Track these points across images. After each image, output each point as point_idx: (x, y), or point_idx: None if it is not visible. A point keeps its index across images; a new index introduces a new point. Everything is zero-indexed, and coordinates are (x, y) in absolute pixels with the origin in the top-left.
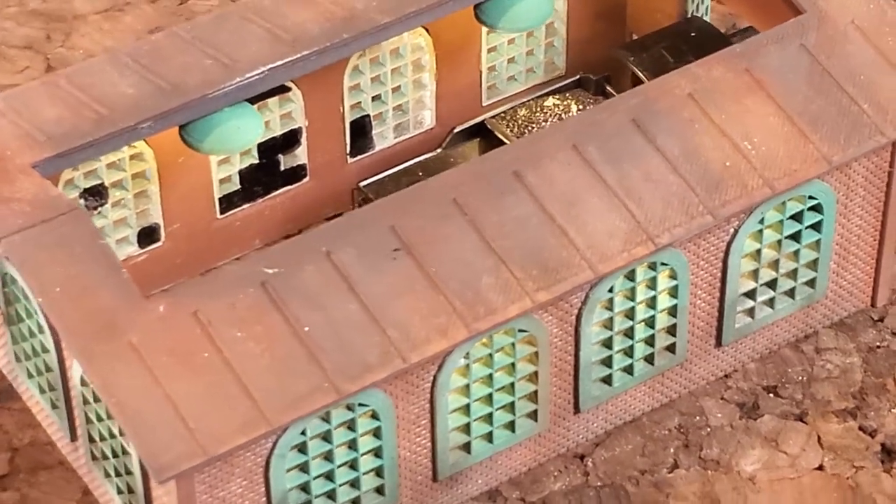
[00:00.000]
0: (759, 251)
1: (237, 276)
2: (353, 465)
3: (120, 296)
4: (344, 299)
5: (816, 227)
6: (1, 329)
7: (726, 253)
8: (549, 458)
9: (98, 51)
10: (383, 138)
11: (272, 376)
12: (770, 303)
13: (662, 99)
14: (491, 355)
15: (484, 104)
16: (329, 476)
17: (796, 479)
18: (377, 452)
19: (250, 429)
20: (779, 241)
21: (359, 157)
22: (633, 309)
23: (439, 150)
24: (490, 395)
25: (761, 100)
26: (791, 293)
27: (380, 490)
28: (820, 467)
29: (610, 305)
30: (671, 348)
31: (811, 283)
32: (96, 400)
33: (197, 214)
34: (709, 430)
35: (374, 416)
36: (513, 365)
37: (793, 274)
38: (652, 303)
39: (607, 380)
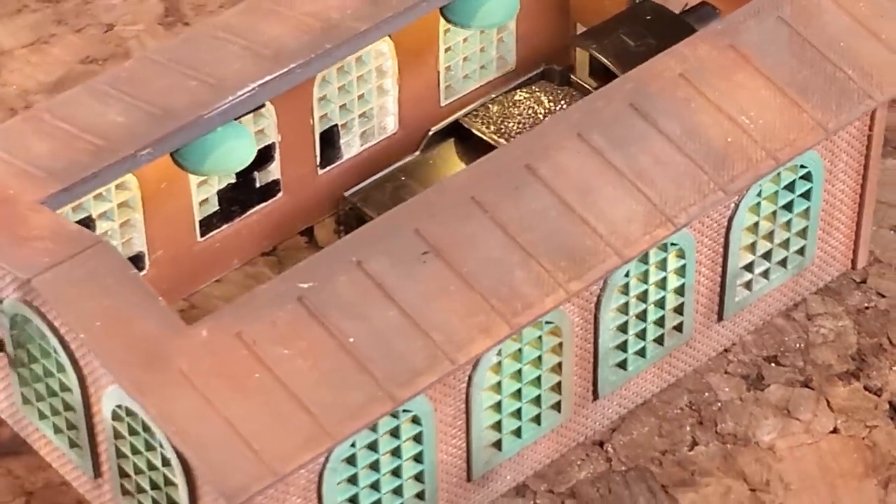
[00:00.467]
0: (756, 224)
1: (273, 294)
2: (396, 472)
3: (161, 324)
4: (382, 307)
5: (807, 195)
6: (2, 372)
7: (728, 228)
8: (569, 448)
9: (31, 85)
10: (350, 147)
11: (325, 390)
12: (765, 274)
13: (655, 82)
14: (520, 349)
15: (442, 105)
16: (375, 486)
17: (814, 444)
18: (418, 458)
19: (314, 444)
20: (774, 213)
21: (328, 167)
22: (646, 291)
23: (417, 154)
24: (519, 390)
25: (750, 74)
26: (784, 263)
27: (420, 495)
28: (835, 430)
29: (626, 289)
30: (679, 327)
31: (801, 251)
32: (132, 433)
33: (179, 239)
34: (719, 404)
35: (416, 421)
36: (539, 358)
37: (785, 243)
38: (662, 284)
39: (622, 364)
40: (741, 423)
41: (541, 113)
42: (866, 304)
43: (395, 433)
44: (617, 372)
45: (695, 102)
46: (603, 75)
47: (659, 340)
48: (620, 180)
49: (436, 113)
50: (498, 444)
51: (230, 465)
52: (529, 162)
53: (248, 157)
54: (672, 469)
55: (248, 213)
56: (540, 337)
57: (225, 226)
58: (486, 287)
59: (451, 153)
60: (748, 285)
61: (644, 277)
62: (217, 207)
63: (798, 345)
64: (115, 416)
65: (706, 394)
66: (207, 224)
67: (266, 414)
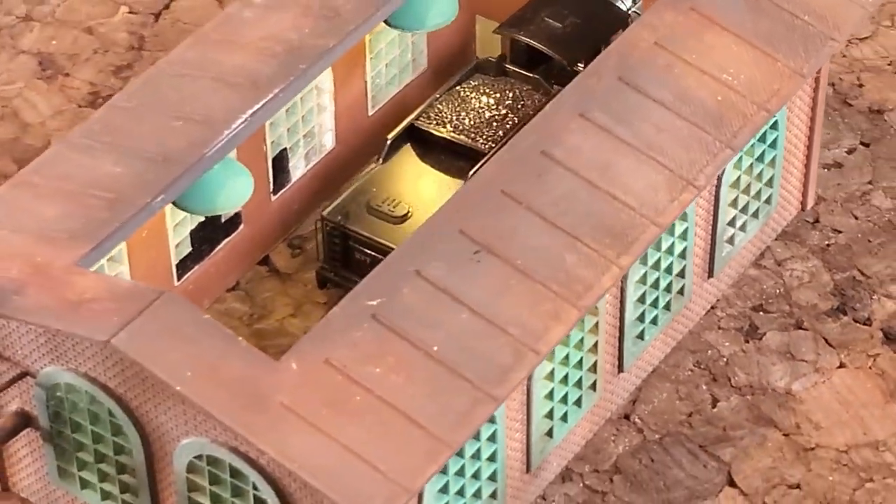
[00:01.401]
0: (738, 178)
1: (346, 316)
2: (476, 474)
3: (249, 363)
4: (453, 311)
5: (774, 144)
6: (27, 450)
7: (718, 185)
8: (600, 426)
9: None
10: (296, 169)
11: (427, 401)
12: (743, 227)
13: (633, 53)
14: (568, 335)
15: (370, 114)
16: (461, 492)
17: (827, 381)
18: (492, 457)
19: (436, 456)
20: (751, 165)
21: (280, 192)
22: (658, 259)
23: (381, 163)
24: (566, 375)
25: (717, 33)
26: (756, 213)
27: (493, 495)
28: (841, 365)
29: (645, 259)
30: (682, 291)
31: (769, 199)
32: (213, 482)
33: (158, 286)
34: (725, 360)
35: (491, 420)
36: (582, 340)
37: (758, 194)
38: (671, 249)
39: (641, 335)
40: (752, 374)
41: (492, 104)
42: (827, 242)
43: (476, 435)
44: (637, 343)
45: (677, 68)
46: (533, 61)
47: (667, 306)
48: (633, 153)
49: (366, 123)
50: (550, 432)
51: (364, 491)
52: (544, 148)
53: (249, 192)
54: (704, 428)
55: (215, 250)
56: (582, 319)
57: (196, 266)
58: (543, 276)
59: (412, 157)
60: (731, 240)
61: (658, 245)
62: (190, 249)
63: (778, 290)
64: (192, 469)
65: (709, 352)
66: (182, 267)
67: (379, 434)
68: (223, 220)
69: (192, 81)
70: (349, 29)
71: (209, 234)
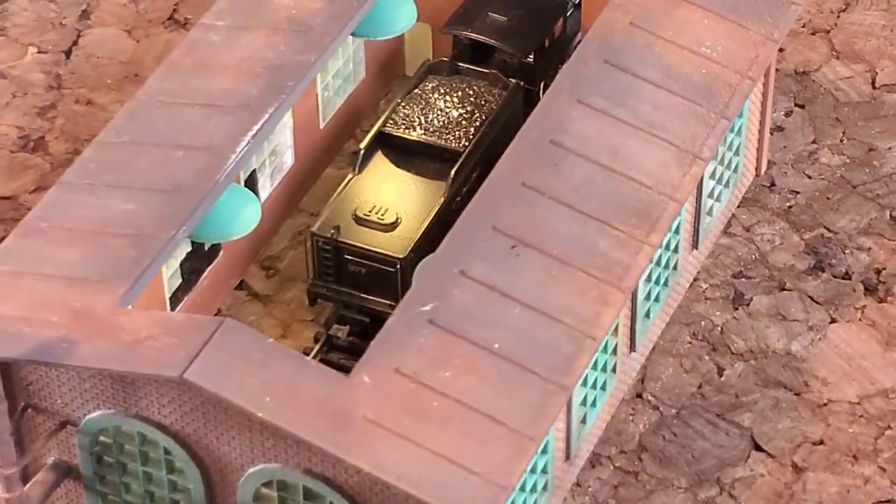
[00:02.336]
0: (717, 149)
1: (404, 324)
2: (532, 468)
3: (324, 382)
4: (505, 307)
5: (741, 112)
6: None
7: None
8: (615, 407)
9: None
10: (264, 189)
11: (502, 398)
12: (719, 197)
13: (613, 36)
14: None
15: (321, 127)
16: (522, 487)
17: (823, 337)
18: (545, 448)
19: (524, 450)
20: (726, 135)
21: None
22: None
23: (357, 173)
24: (596, 360)
25: (687, 8)
26: (728, 183)
27: (545, 486)
28: (833, 320)
29: None
30: (675, 266)
31: (736, 168)
32: (309, 498)
33: None
34: (719, 328)
35: None
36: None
37: (729, 163)
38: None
39: (648, 313)
40: (750, 339)
41: (455, 102)
42: (788, 204)
43: None
44: (645, 322)
45: (657, 46)
46: (478, 58)
47: (666, 282)
48: (637, 133)
49: (318, 137)
50: (584, 419)
51: (463, 494)
52: (552, 137)
53: (258, 216)
54: (717, 398)
55: (200, 279)
56: None
57: (186, 297)
58: (582, 262)
59: (386, 164)
60: (710, 211)
61: None
62: (180, 280)
63: (753, 256)
64: (258, 497)
65: (702, 323)
66: (175, 300)
67: (464, 436)
68: (206, 247)
69: (181, 110)
70: (327, 42)
71: (194, 263)
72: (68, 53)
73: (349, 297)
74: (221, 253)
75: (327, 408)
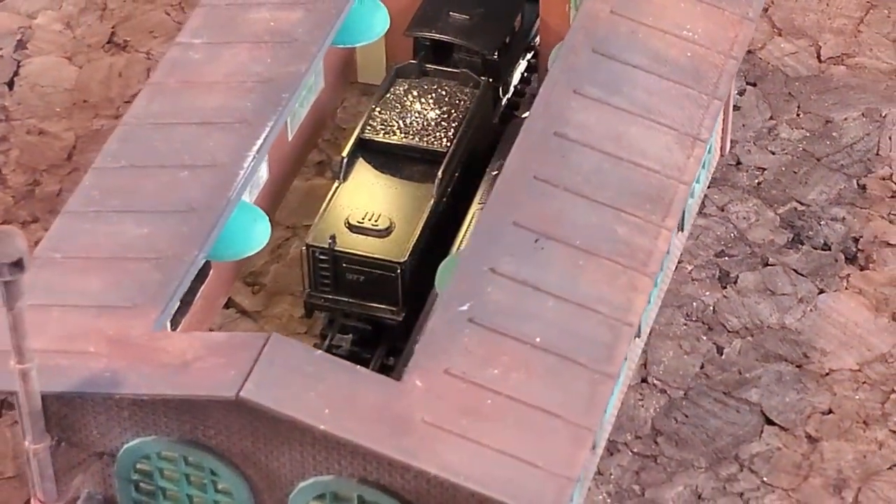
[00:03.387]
0: None
1: (444, 325)
2: None
3: (377, 389)
4: (540, 301)
5: None
6: None
7: None
8: (623, 393)
9: None
10: None
11: (552, 391)
12: (698, 178)
13: (597, 25)
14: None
15: (289, 139)
16: None
17: (814, 309)
18: None
19: (582, 440)
20: None
21: None
22: None
23: (343, 181)
24: None
25: None
26: (705, 164)
27: (578, 478)
28: (821, 291)
29: None
30: (668, 249)
31: (710, 148)
32: None
33: None
34: (711, 308)
35: None
36: None
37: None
38: None
39: (649, 298)
40: (743, 316)
41: (430, 104)
42: (757, 181)
43: None
44: (648, 307)
45: (640, 32)
46: (440, 58)
47: (661, 266)
48: (636, 119)
49: (287, 148)
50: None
51: (532, 489)
52: (556, 129)
53: (269, 231)
54: (721, 376)
55: (195, 299)
56: None
57: (183, 319)
58: (606, 250)
59: (370, 170)
60: (692, 192)
61: None
62: (178, 302)
63: (732, 234)
64: (363, 500)
65: (694, 304)
66: (175, 322)
67: (523, 432)
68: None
69: (177, 130)
70: (314, 51)
71: (192, 283)
72: (11, 85)
73: (348, 306)
74: (212, 271)
75: (385, 414)
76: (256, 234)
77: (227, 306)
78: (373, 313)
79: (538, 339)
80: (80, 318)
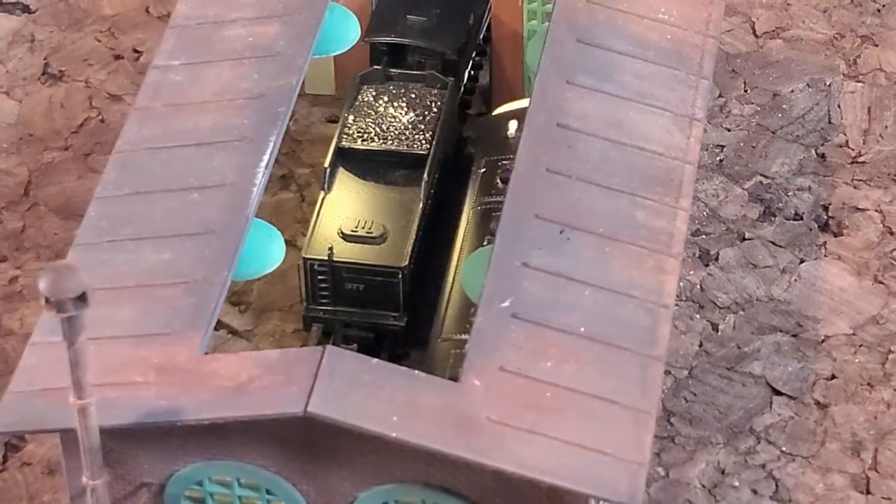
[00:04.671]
0: None
1: (490, 322)
2: None
3: (438, 392)
4: (576, 291)
5: None
6: None
7: None
8: None
9: None
10: None
11: (606, 378)
12: None
13: (576, 16)
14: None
15: None
16: None
17: (798, 278)
18: None
19: (645, 425)
20: None
21: None
22: None
23: (328, 192)
24: None
25: None
26: None
27: None
28: (801, 260)
29: None
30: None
31: None
32: None
33: None
34: (699, 286)
35: None
36: None
37: None
38: None
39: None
40: (730, 292)
41: (403, 107)
42: (718, 158)
43: None
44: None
45: (618, 19)
46: (397, 61)
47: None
48: (631, 104)
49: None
50: None
51: (606, 478)
52: (558, 121)
53: (284, 249)
54: (721, 352)
55: None
56: None
57: None
58: (629, 236)
59: (352, 178)
60: None
61: None
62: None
63: (704, 213)
64: None
65: (681, 283)
66: None
67: (585, 421)
68: None
69: (175, 153)
70: (300, 63)
71: None
72: None
73: (349, 316)
74: None
75: (451, 416)
76: (273, 251)
77: (217, 328)
78: (374, 321)
79: (582, 329)
80: (118, 349)
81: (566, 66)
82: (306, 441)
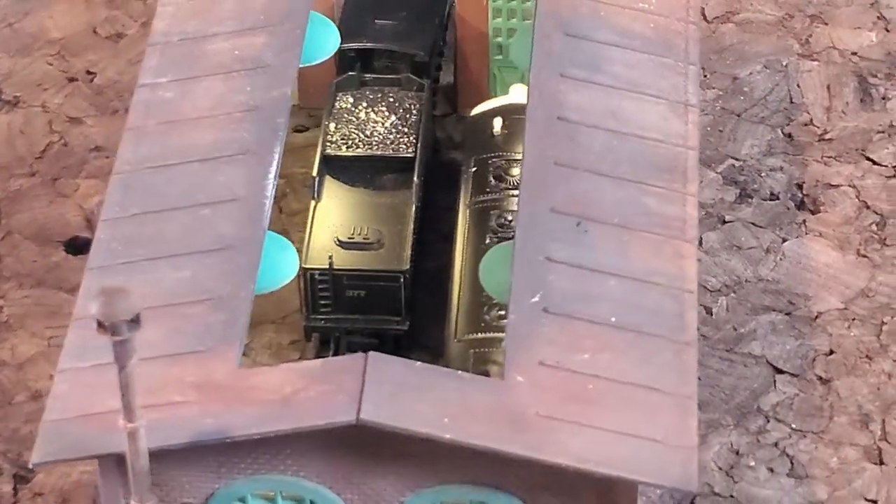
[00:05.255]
0: None
1: (523, 318)
2: None
3: (484, 391)
4: (600, 281)
5: None
6: None
7: None
8: None
9: None
10: None
11: (643, 366)
12: None
13: (561, 10)
14: None
15: None
16: None
17: (783, 257)
18: None
19: (689, 410)
20: None
21: None
22: None
23: (318, 201)
24: None
25: None
26: None
27: None
28: (784, 239)
29: None
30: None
31: None
32: None
33: None
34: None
35: None
36: None
37: None
38: None
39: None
40: (719, 275)
41: (383, 111)
42: None
43: None
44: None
45: (602, 11)
46: (366, 66)
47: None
48: (626, 94)
49: None
50: None
51: (659, 465)
52: (557, 114)
53: (298, 263)
54: (718, 335)
55: None
56: None
57: None
58: (642, 224)
59: (340, 185)
60: None
61: None
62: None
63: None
64: None
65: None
66: None
67: (630, 411)
68: None
69: (178, 170)
70: (291, 73)
71: None
72: None
73: (351, 323)
74: None
75: (501, 414)
76: (288, 263)
77: None
78: (377, 326)
79: (613, 319)
80: (152, 369)
81: (557, 60)
82: (350, 449)
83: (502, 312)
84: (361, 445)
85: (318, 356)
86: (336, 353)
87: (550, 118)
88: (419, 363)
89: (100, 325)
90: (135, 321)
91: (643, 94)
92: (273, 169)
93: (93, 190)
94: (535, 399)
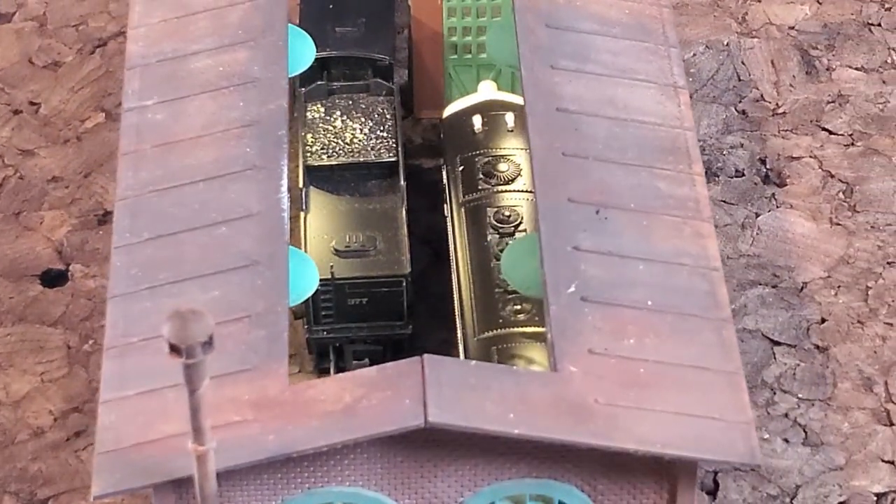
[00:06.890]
0: None
1: (562, 307)
2: None
3: (542, 384)
4: (630, 267)
5: None
6: None
7: None
8: None
9: None
10: None
11: (687, 347)
12: None
13: (537, 3)
14: None
15: None
16: None
17: (759, 232)
18: None
19: (739, 385)
20: None
21: None
22: None
23: (308, 211)
24: None
25: None
26: None
27: None
28: (758, 214)
29: None
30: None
31: None
32: None
33: None
34: None
35: None
36: None
37: None
38: None
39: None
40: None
41: (359, 118)
42: None
43: None
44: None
45: (577, 1)
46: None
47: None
48: (617, 81)
49: None
50: None
51: (723, 442)
52: (557, 106)
53: (318, 276)
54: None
55: None
56: None
57: None
58: (661, 207)
59: (325, 195)
60: None
61: None
62: None
63: None
64: None
65: None
66: None
67: (685, 391)
68: None
69: (185, 191)
70: (282, 85)
71: None
72: None
73: (355, 332)
74: None
75: (562, 405)
76: (309, 276)
77: None
78: (380, 332)
79: (650, 303)
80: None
81: (546, 53)
82: (408, 454)
83: (518, 307)
84: (420, 449)
85: (317, 367)
86: (338, 363)
87: (550, 111)
88: (473, 362)
89: (173, 348)
90: (209, 343)
91: (634, 79)
92: (284, 182)
93: (58, 221)
94: (593, 387)
